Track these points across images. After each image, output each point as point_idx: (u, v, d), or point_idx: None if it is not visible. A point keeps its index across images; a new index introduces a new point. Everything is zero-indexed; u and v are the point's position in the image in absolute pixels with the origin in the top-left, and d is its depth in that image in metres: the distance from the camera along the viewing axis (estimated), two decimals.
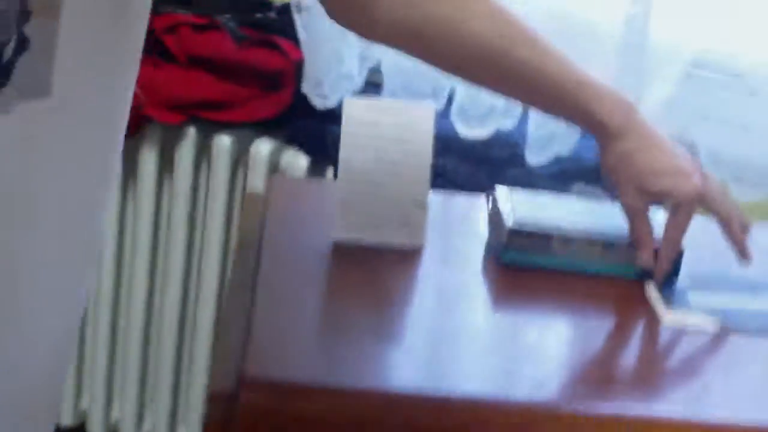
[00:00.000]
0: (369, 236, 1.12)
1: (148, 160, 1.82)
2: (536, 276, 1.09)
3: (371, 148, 1.11)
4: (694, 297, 1.08)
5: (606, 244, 1.10)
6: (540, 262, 1.10)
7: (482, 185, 1.61)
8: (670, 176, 1.05)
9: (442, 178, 1.63)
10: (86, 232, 0.85)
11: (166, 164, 1.84)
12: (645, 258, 1.09)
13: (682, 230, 1.08)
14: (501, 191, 1.16)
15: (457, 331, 0.99)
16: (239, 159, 1.80)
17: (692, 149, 1.64)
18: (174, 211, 1.84)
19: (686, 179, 1.05)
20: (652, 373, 0.98)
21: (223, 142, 1.78)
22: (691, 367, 1.00)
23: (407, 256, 1.11)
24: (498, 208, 1.13)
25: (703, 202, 1.07)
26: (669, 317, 1.04)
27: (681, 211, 1.07)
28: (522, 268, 1.10)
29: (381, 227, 1.12)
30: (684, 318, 1.04)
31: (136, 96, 1.75)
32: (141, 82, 1.77)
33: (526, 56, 1.04)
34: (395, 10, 1.03)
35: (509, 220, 1.10)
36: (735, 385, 0.96)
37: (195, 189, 1.84)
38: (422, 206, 1.12)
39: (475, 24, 1.04)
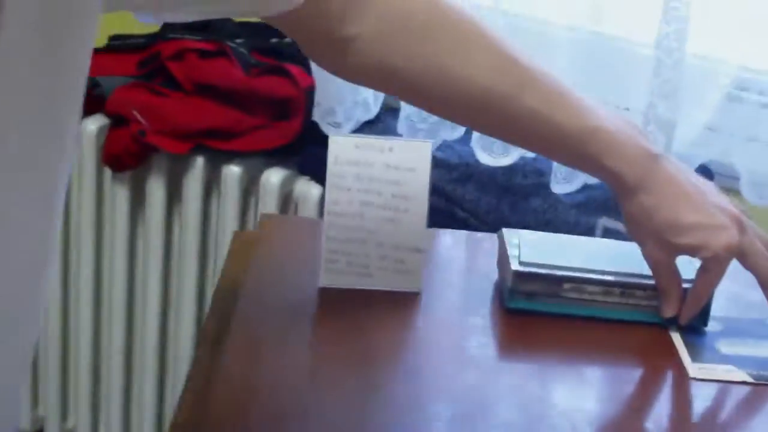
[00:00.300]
0: (359, 284, 1.01)
1: (156, 191, 1.73)
2: (547, 324, 0.97)
3: (361, 191, 0.99)
4: (725, 345, 0.95)
5: (625, 288, 0.97)
6: (551, 309, 0.97)
7: (504, 216, 1.49)
8: (698, 231, 0.92)
9: (461, 209, 1.52)
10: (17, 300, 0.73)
11: (174, 195, 1.74)
12: (668, 313, 0.96)
13: (712, 287, 0.95)
14: (509, 231, 1.04)
15: (457, 390, 0.88)
16: (249, 189, 1.69)
17: (732, 175, 1.51)
18: (184, 244, 1.74)
19: (718, 233, 0.92)
20: None
21: (233, 171, 1.67)
22: (726, 426, 0.89)
23: (402, 304, 0.99)
24: (505, 249, 1.01)
25: (739, 256, 0.94)
26: (697, 370, 0.92)
27: (712, 266, 0.93)
28: (531, 315, 0.98)
29: (372, 275, 1.00)
30: (713, 371, 0.91)
31: (139, 124, 1.66)
32: (145, 110, 1.69)
33: (532, 103, 0.91)
34: (371, 53, 0.90)
35: (515, 262, 0.99)
36: None
37: (205, 220, 1.74)
38: (419, 251, 1.01)
39: (471, 68, 0.91)
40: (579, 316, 0.98)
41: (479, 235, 1.14)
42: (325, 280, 1.00)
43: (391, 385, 0.88)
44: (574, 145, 0.91)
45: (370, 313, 0.97)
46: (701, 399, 0.90)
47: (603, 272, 0.98)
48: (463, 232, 1.18)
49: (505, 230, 1.04)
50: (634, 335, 0.97)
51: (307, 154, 1.66)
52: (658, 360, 0.94)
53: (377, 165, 1.00)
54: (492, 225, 1.50)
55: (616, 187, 0.93)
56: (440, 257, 1.08)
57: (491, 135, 0.96)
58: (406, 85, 0.92)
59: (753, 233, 0.94)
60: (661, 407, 0.90)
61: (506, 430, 0.83)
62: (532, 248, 1.00)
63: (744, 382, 0.90)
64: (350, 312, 0.97)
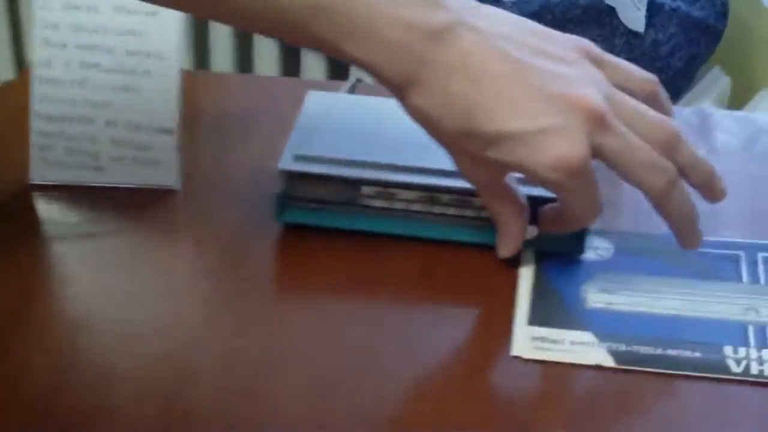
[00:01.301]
0: (86, 180, 0.69)
1: None
2: (336, 247, 0.63)
3: (81, 47, 0.65)
4: (598, 291, 0.59)
5: (458, 195, 0.62)
6: (342, 224, 0.63)
7: None
8: (510, 142, 0.55)
9: None
10: None
11: None
12: (503, 252, 0.61)
13: (571, 223, 0.59)
14: (317, 96, 0.70)
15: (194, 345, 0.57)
16: None
17: None
18: None
19: (542, 144, 0.54)
20: None
21: None
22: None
23: (149, 209, 0.66)
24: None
25: (608, 165, 0.57)
26: (528, 342, 0.56)
27: (557, 192, 0.57)
28: (320, 233, 0.64)
29: (104, 168, 0.68)
30: (554, 345, 0.56)
31: None
32: None
33: None
34: None
35: (287, 157, 0.64)
36: None
37: None
38: (171, 132, 0.68)
39: None
40: (386, 234, 0.64)
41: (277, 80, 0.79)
42: (36, 174, 0.68)
43: (104, 340, 0.58)
44: (298, 26, 0.54)
45: (97, 224, 0.66)
46: (515, 396, 0.55)
47: (424, 170, 0.63)
48: (262, 79, 0.83)
49: (312, 93, 0.70)
50: (465, 266, 0.61)
51: None
52: (480, 317, 0.59)
53: (103, 9, 0.66)
54: None
55: (380, 83, 0.56)
56: (220, 129, 0.74)
57: (198, 16, 0.60)
58: None
59: (626, 121, 0.56)
60: (488, 392, 0.56)
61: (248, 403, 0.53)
62: (329, 128, 0.65)
63: (599, 367, 0.57)
64: (70, 219, 0.66)
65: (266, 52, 1.37)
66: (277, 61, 1.38)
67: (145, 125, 0.66)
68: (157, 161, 0.67)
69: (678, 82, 1.03)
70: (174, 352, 0.57)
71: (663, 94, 0.60)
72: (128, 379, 0.55)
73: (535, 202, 0.61)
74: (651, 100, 0.59)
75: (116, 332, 0.58)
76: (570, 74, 0.55)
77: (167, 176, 0.67)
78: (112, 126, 0.67)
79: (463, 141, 0.55)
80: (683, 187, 0.58)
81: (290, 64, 1.38)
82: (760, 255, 0.62)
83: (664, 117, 0.58)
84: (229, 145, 0.72)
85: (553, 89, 0.55)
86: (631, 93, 0.58)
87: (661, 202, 0.57)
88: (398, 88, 0.55)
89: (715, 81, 1.11)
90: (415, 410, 0.54)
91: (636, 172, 0.56)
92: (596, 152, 0.56)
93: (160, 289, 0.61)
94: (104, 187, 0.67)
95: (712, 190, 0.59)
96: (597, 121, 0.55)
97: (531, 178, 0.56)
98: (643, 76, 0.59)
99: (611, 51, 1.02)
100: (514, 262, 0.62)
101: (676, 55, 1.03)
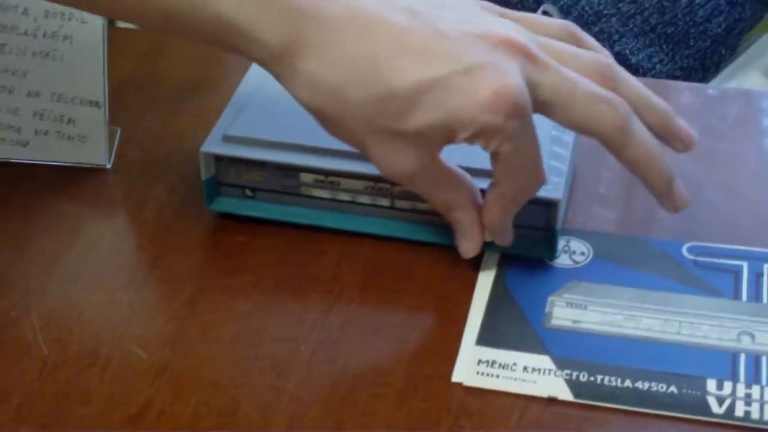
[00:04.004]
0: (10, 155, 0.60)
1: None
2: (273, 240, 0.53)
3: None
4: (567, 305, 0.49)
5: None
6: (279, 215, 0.54)
7: None
8: (434, 93, 0.44)
9: None
10: None
11: None
12: (466, 251, 0.51)
13: (517, 195, 0.48)
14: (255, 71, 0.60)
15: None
16: None
17: None
18: None
19: (474, 83, 0.44)
20: None
21: None
22: None
23: (77, 188, 0.57)
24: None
25: (542, 107, 0.46)
26: (472, 367, 0.46)
27: (498, 149, 0.46)
28: (253, 222, 0.54)
29: (28, 143, 0.59)
30: (502, 372, 0.46)
31: None
32: None
33: None
34: None
35: (215, 137, 0.54)
36: None
37: None
38: (98, 105, 0.59)
39: None
40: (330, 229, 0.55)
41: None
42: None
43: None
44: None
45: (24, 204, 0.58)
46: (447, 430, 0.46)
47: None
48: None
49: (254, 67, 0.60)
50: (416, 269, 0.51)
51: None
52: (427, 331, 0.49)
53: None
54: None
55: (253, 55, 0.46)
56: (169, 96, 0.63)
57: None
58: None
59: (562, 58, 0.47)
60: None
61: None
62: (269, 103, 0.54)
63: (554, 400, 0.46)
64: None
65: None
66: None
67: (70, 96, 0.58)
68: (83, 136, 0.58)
69: (717, 52, 0.92)
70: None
71: (584, 35, 0.50)
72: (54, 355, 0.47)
73: None
74: (573, 44, 0.50)
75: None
76: (481, 19, 0.46)
77: (95, 153, 0.58)
78: (34, 96, 0.58)
79: (376, 115, 0.45)
80: (640, 123, 0.48)
81: None
82: (767, 267, 0.51)
83: (592, 52, 0.49)
84: (173, 116, 0.63)
85: (467, 30, 0.45)
86: None
87: (621, 144, 0.47)
88: (280, 56, 0.45)
89: (764, 50, 0.98)
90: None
91: (582, 108, 0.46)
92: (532, 93, 0.46)
93: (71, 276, 0.53)
94: (30, 164, 0.59)
95: (672, 131, 0.49)
96: (525, 56, 0.45)
97: (466, 134, 0.45)
98: (556, 22, 0.50)
99: (641, 14, 0.91)
100: (475, 266, 0.52)
101: (716, 20, 0.91)
